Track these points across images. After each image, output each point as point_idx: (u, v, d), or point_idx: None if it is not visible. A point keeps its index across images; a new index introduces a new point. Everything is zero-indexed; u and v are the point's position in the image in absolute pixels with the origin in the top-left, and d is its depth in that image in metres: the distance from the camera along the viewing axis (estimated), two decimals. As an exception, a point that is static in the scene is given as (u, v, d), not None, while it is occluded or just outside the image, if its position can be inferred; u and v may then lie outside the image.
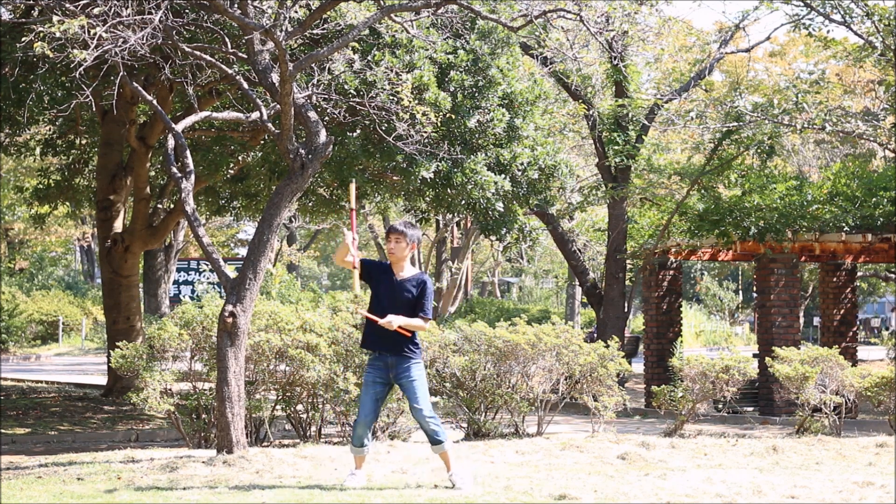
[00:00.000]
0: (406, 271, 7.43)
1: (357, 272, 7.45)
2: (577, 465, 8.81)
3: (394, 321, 7.19)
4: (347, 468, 8.35)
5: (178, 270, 32.63)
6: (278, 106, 9.05)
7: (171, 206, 18.15)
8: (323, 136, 9.14)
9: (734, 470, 8.56)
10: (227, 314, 8.83)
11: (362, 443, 7.34)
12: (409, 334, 7.30)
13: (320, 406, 10.59)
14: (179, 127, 9.69)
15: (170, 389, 10.32)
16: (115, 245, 17.03)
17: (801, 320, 26.66)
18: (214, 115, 10.44)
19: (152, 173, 18.62)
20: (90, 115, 17.48)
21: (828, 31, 22.20)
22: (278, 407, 10.69)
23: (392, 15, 9.89)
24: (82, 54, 8.11)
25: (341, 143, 12.50)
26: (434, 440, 7.29)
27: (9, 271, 39.47)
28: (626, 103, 18.30)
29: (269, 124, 9.40)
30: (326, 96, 10.47)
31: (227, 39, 9.87)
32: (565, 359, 11.28)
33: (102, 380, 19.87)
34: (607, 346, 11.56)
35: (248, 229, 42.61)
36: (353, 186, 8.00)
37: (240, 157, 16.96)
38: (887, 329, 40.26)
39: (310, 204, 17.51)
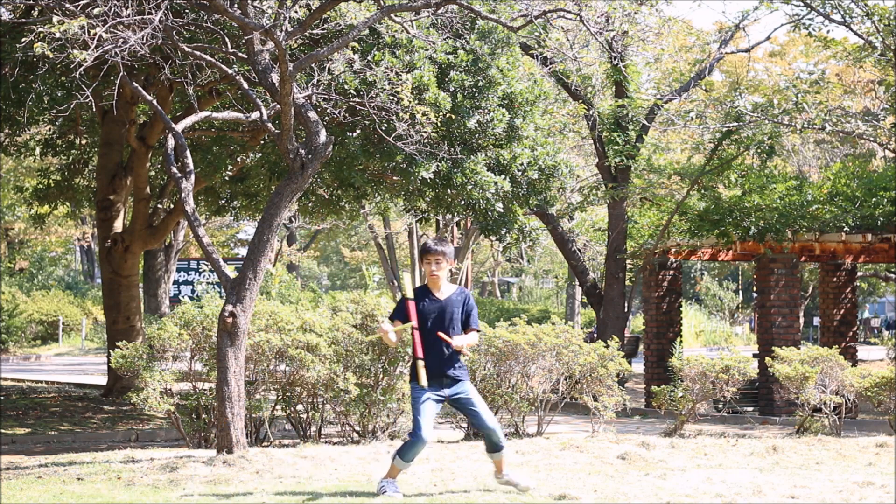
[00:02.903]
0: (445, 289, 7.10)
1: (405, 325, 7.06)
2: (577, 465, 8.81)
3: (457, 340, 6.92)
4: (346, 468, 8.35)
5: (178, 270, 32.58)
6: (278, 106, 9.05)
7: (171, 206, 18.15)
8: (323, 136, 9.14)
9: (734, 470, 8.56)
10: (227, 314, 8.84)
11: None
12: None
13: (320, 406, 10.59)
14: (179, 127, 9.69)
15: (170, 389, 10.33)
16: (115, 245, 17.03)
17: (801, 320, 26.66)
18: (214, 115, 10.44)
19: (152, 173, 18.61)
20: (90, 115, 17.47)
21: (828, 31, 22.25)
22: (278, 407, 10.70)
23: (392, 15, 9.89)
24: (82, 54, 8.11)
25: (341, 143, 12.49)
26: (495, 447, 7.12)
27: (9, 271, 39.46)
28: (626, 103, 18.29)
29: (269, 124, 9.40)
30: (326, 96, 10.46)
31: (227, 39, 9.87)
32: (565, 359, 11.29)
33: (102, 380, 19.87)
34: (607, 346, 11.56)
35: (248, 229, 42.61)
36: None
37: (240, 158, 16.94)
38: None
39: (310, 204, 17.49)
